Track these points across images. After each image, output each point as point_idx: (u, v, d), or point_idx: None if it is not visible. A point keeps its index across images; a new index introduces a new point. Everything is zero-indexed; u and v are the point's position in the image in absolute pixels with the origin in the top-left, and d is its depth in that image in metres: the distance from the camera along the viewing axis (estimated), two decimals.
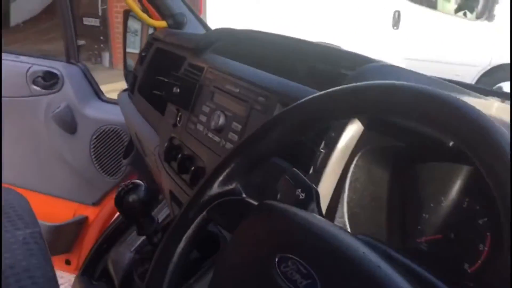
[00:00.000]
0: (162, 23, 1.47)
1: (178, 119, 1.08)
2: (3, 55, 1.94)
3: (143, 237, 1.76)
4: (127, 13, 1.66)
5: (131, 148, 1.67)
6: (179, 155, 1.00)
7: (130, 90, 1.57)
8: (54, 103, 1.93)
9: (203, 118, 0.97)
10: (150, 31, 1.64)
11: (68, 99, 1.92)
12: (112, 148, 1.90)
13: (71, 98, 1.92)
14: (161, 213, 1.50)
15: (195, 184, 0.92)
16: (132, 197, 0.78)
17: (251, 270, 0.49)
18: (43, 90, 1.94)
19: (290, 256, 0.44)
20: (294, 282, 0.43)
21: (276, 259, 0.45)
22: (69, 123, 1.93)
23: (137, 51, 1.71)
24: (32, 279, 0.77)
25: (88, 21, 7.06)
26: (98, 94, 1.99)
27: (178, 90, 1.02)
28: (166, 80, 1.04)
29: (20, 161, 1.97)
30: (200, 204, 0.57)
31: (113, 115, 1.88)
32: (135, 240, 1.78)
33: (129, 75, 1.67)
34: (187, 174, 0.95)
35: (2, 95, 1.92)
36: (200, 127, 0.97)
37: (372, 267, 0.41)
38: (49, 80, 1.94)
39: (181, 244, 0.58)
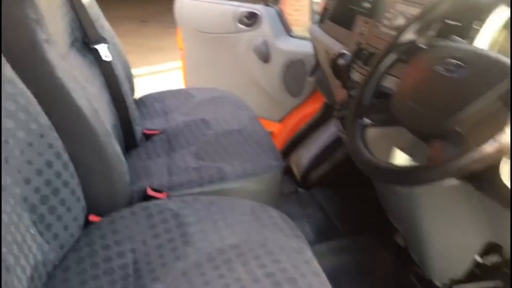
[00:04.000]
0: None
1: (364, 28, 1.44)
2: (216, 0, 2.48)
3: (317, 145, 2.19)
4: None
5: (316, 67, 2.08)
6: (366, 52, 1.36)
7: (320, 21, 1.97)
8: (254, 38, 2.43)
9: (386, 22, 1.31)
10: None
11: (265, 34, 2.40)
12: (298, 74, 2.34)
13: (268, 34, 2.39)
14: None
15: None
16: (340, 61, 1.16)
17: (426, 73, 0.83)
18: (246, 28, 2.45)
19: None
20: (450, 70, 0.77)
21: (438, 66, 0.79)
22: (265, 54, 2.41)
23: None
24: None
25: None
26: (288, 31, 2.43)
27: (368, 4, 1.37)
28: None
29: (225, 84, 2.53)
30: (395, 46, 0.93)
31: (300, 47, 2.31)
32: (311, 146, 2.22)
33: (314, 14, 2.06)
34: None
35: (214, 32, 2.48)
36: (383, 29, 1.32)
37: None
38: (251, 19, 2.44)
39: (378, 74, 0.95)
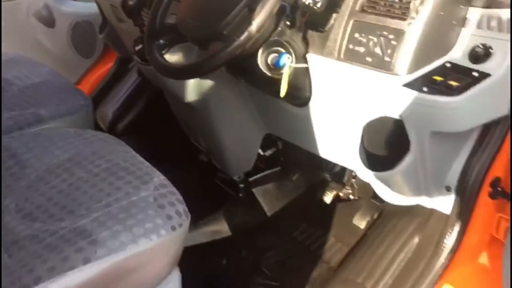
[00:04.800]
0: None
1: None
2: None
3: (118, 98, 2.36)
4: None
5: (105, 24, 2.23)
6: None
7: None
8: (33, 3, 2.42)
9: None
10: None
11: None
12: (87, 35, 2.44)
13: None
14: None
15: None
16: (129, 2, 1.36)
17: None
18: None
19: None
20: None
21: None
22: (48, 19, 2.43)
23: None
24: None
25: None
26: None
27: None
28: None
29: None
30: None
31: (86, 9, 2.40)
32: (113, 101, 2.38)
33: None
34: None
35: None
36: None
37: None
38: None
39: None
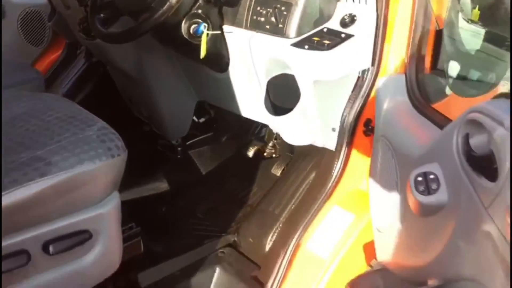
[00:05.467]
0: None
1: None
2: None
3: (67, 82, 2.56)
4: None
5: (53, 13, 2.43)
6: None
7: None
8: None
9: None
10: None
11: None
12: (36, 24, 2.63)
13: None
14: None
15: None
16: None
17: None
18: None
19: None
20: None
21: None
22: None
23: None
24: None
25: None
26: None
27: None
28: None
29: None
30: None
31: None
32: (63, 83, 2.58)
33: None
34: None
35: None
36: None
37: None
38: None
39: None
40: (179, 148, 1.97)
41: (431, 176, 0.94)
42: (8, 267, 1.03)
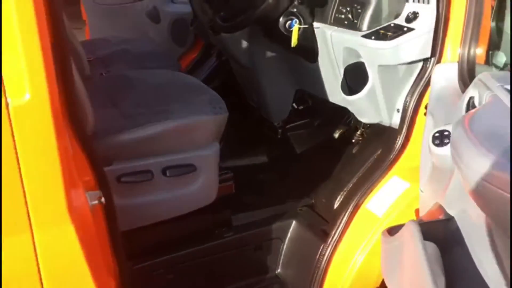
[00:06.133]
0: None
1: None
2: None
3: (202, 75, 3.11)
4: None
5: (195, 19, 2.99)
6: None
7: None
8: (145, 5, 3.27)
9: None
10: None
11: (154, 2, 3.25)
12: (182, 29, 3.23)
13: (156, 1, 3.25)
14: None
15: None
16: None
17: None
18: None
19: None
20: None
21: None
22: (156, 17, 3.27)
23: None
24: None
25: None
26: None
27: None
28: None
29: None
30: None
31: (182, 9, 3.20)
32: (198, 77, 3.11)
33: None
34: None
35: (112, 3, 3.29)
36: None
37: None
38: None
39: None
40: (279, 130, 2.34)
41: (446, 133, 1.17)
42: (138, 179, 1.50)
